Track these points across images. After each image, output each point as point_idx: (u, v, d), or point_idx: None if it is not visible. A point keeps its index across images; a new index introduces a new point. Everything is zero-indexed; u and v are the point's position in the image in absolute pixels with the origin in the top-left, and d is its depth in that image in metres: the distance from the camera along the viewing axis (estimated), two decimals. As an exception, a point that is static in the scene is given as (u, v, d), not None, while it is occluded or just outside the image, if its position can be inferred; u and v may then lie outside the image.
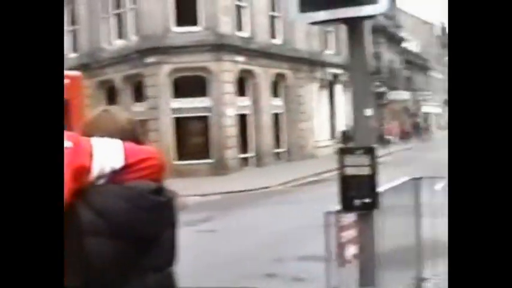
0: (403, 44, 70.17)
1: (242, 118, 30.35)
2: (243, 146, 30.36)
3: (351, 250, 5.52)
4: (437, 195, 7.92)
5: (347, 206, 5.06)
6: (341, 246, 5.48)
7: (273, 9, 34.06)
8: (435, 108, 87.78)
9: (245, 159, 30.52)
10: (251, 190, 22.18)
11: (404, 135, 58.53)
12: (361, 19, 4.87)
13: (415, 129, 63.85)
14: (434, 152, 38.80)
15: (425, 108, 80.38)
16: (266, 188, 22.75)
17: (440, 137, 61.39)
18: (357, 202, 4.88)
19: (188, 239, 12.48)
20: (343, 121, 41.42)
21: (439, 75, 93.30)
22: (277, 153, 34.07)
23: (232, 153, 28.48)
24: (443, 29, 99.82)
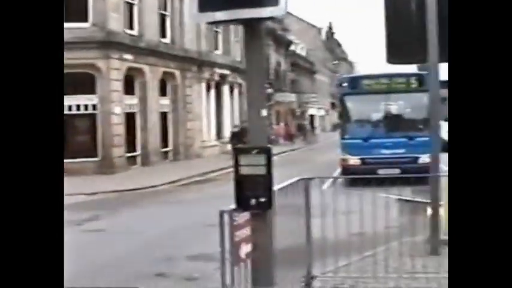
0: (290, 47, 71.19)
1: (129, 116, 29.99)
2: (130, 145, 29.99)
3: (245, 249, 5.57)
4: (325, 195, 8.09)
5: (242, 204, 5.10)
6: (235, 245, 5.52)
7: (164, 8, 33.85)
8: (320, 110, 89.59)
9: (132, 158, 30.17)
10: (138, 189, 21.96)
11: (290, 137, 59.37)
12: (259, 21, 4.93)
13: (301, 131, 64.87)
14: (320, 153, 39.66)
15: (310, 111, 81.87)
16: (153, 187, 22.59)
17: (324, 139, 62.73)
18: (253, 201, 4.93)
19: (74, 238, 12.28)
20: (230, 122, 41.68)
21: (325, 78, 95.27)
22: (165, 152, 33.90)
23: (119, 152, 28.08)
24: (329, 33, 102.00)
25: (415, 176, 8.42)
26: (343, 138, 21.54)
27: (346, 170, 20.32)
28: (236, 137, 33.09)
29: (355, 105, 21.65)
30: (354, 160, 20.51)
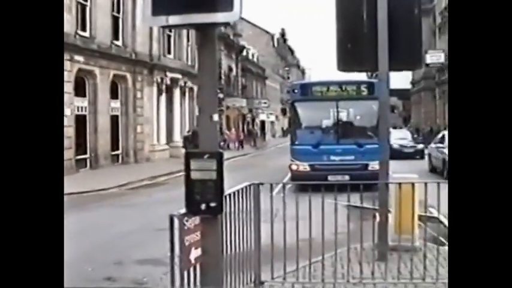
0: (242, 53, 71.32)
1: (79, 119, 29.69)
2: (80, 147, 29.69)
3: (195, 253, 5.57)
4: (274, 200, 8.13)
5: (193, 209, 5.10)
6: (185, 249, 5.51)
7: (117, 11, 33.61)
8: (271, 116, 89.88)
9: (82, 161, 29.86)
10: (87, 192, 21.74)
11: (240, 142, 59.50)
12: (212, 26, 4.93)
13: (250, 136, 65.05)
14: (270, 159, 39.79)
15: (261, 117, 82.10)
16: (102, 190, 22.40)
17: (274, 144, 62.95)
18: (203, 206, 4.93)
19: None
20: (181, 126, 41.53)
21: (276, 84, 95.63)
22: (114, 156, 33.64)
23: (68, 154, 27.75)
24: (281, 39, 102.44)
25: (364, 182, 8.49)
26: (293, 144, 21.69)
27: (296, 176, 20.26)
28: (188, 140, 33.01)
29: (306, 112, 21.79)
30: (303, 166, 20.66)
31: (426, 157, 28.70)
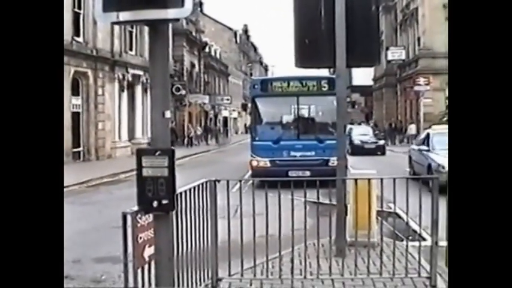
0: (205, 49, 71.18)
1: (39, 116, 29.39)
2: (39, 145, 29.39)
3: (149, 251, 5.54)
4: (231, 197, 8.12)
5: (145, 207, 5.07)
6: (138, 247, 5.48)
7: (78, 6, 33.29)
8: (233, 113, 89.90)
9: (41, 158, 29.56)
10: (46, 190, 21.50)
11: (202, 138, 59.47)
12: (164, 22, 4.90)
13: (211, 132, 65.10)
14: (231, 155, 39.80)
15: (224, 113, 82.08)
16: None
17: (237, 140, 62.96)
18: (155, 203, 4.90)
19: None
20: (142, 122, 41.30)
21: (238, 81, 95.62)
22: (76, 153, 33.36)
23: (27, 152, 27.49)
24: (243, 35, 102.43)
25: (321, 179, 8.52)
26: (253, 140, 21.67)
27: (256, 171, 20.44)
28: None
29: (266, 108, 21.82)
30: (263, 162, 20.68)
31: (407, 159, 25.14)
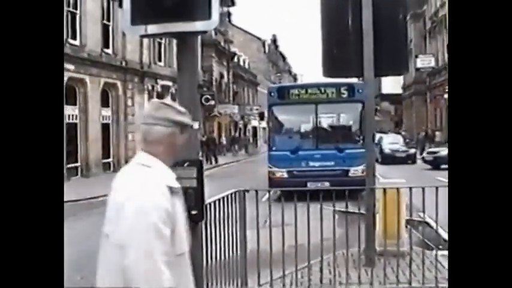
0: (234, 59, 71.37)
1: (70, 127, 29.65)
2: (71, 156, 29.62)
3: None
4: (260, 207, 8.15)
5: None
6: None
7: (107, 19, 33.59)
8: (262, 122, 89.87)
9: (73, 169, 29.79)
10: (78, 200, 21.70)
11: (230, 148, 59.65)
12: (192, 34, 4.95)
13: (240, 142, 65.22)
14: (260, 165, 39.80)
15: (253, 123, 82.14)
16: (93, 198, 22.33)
17: (265, 150, 62.91)
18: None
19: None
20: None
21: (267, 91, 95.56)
22: (106, 164, 33.58)
23: (58, 163, 27.74)
24: (272, 45, 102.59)
25: (350, 188, 8.52)
26: (270, 150, 20.91)
27: (274, 182, 19.36)
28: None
29: (283, 116, 21.19)
30: (280, 173, 19.92)
31: None
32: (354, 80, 18.29)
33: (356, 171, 18.35)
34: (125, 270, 2.99)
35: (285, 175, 19.75)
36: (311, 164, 19.79)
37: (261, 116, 18.20)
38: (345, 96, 19.65)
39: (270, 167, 20.36)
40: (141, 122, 3.28)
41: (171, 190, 3.16)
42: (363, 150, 18.34)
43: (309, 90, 20.29)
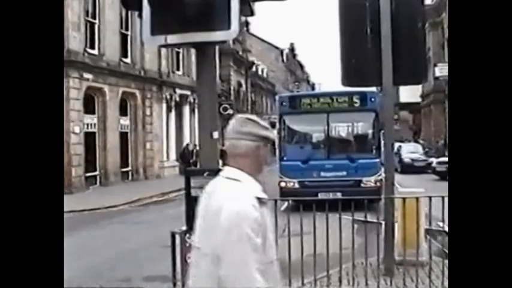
0: (252, 68, 71.46)
1: (89, 136, 29.80)
2: (90, 164, 29.76)
3: (197, 270, 5.58)
4: (281, 216, 8.14)
5: (193, 226, 5.11)
6: (187, 266, 5.53)
7: (125, 28, 33.76)
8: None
9: (91, 178, 29.92)
10: (97, 209, 21.78)
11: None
12: (211, 44, 4.98)
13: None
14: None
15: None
16: (112, 207, 22.43)
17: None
18: (203, 223, 4.95)
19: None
20: (191, 142, 41.63)
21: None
22: (124, 172, 33.69)
23: (78, 171, 27.85)
24: (290, 54, 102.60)
25: (368, 198, 8.50)
26: (281, 160, 20.25)
27: (285, 193, 18.72)
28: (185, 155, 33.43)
29: (294, 125, 20.75)
30: (292, 183, 19.50)
31: None
32: (367, 88, 18.05)
33: (368, 181, 18.31)
34: (221, 280, 3.13)
35: (296, 185, 19.42)
36: (322, 174, 19.34)
37: (273, 126, 17.23)
38: (357, 105, 19.26)
39: (281, 177, 19.86)
40: (227, 137, 3.44)
41: (260, 201, 3.28)
42: (375, 160, 18.61)
43: (321, 99, 20.02)
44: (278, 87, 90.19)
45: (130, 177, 34.32)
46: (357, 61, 9.54)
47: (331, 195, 17.16)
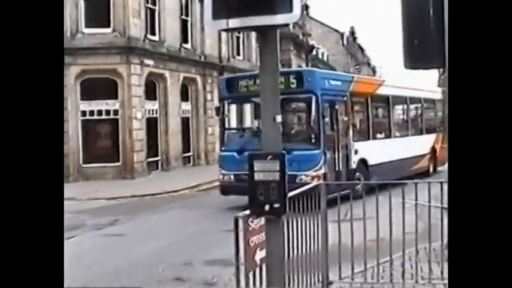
0: (312, 52, 71.15)
1: (151, 121, 30.12)
2: (152, 150, 30.11)
3: (260, 254, 5.60)
4: (341, 200, 8.11)
5: (256, 210, 5.13)
6: (250, 250, 5.55)
7: (185, 14, 33.94)
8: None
9: (153, 163, 30.27)
10: (159, 194, 22.05)
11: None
12: (273, 27, 4.95)
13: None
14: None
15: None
16: (174, 191, 22.66)
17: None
18: (266, 207, 4.95)
19: (95, 242, 12.40)
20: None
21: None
22: (186, 158, 33.97)
23: (140, 157, 28.21)
24: (351, 37, 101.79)
25: (432, 181, 8.36)
26: (220, 151, 18.91)
27: (222, 188, 17.72)
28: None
29: (232, 111, 19.26)
30: (227, 176, 17.54)
31: None
32: (308, 68, 15.75)
33: (305, 176, 15.58)
34: None
35: (232, 179, 17.27)
36: None
37: (217, 111, 15.03)
38: (293, 86, 16.38)
39: (220, 170, 18.14)
40: None
41: None
42: (314, 151, 16.00)
43: (257, 81, 16.62)
44: (339, 70, 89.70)
45: (191, 162, 34.58)
46: (420, 43, 9.37)
47: None
